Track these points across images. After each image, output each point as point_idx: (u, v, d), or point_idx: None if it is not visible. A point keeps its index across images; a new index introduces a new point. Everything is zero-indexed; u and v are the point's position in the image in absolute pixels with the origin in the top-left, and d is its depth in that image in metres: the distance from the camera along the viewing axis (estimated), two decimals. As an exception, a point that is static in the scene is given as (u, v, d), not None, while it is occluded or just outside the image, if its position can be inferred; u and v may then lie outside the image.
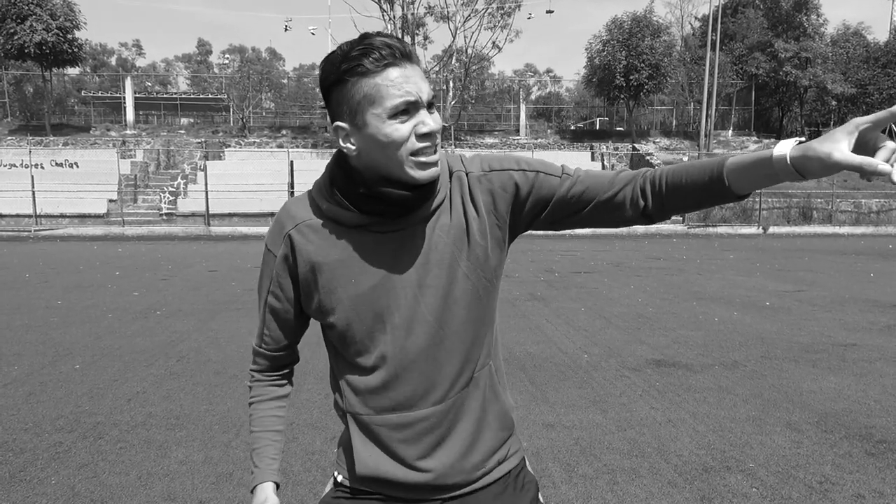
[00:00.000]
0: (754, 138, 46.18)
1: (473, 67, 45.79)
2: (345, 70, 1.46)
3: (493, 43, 45.29)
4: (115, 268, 15.98)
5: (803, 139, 1.34)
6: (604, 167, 38.02)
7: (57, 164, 34.45)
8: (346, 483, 1.76)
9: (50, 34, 37.46)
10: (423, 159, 1.49)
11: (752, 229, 31.47)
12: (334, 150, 1.62)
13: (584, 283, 13.11)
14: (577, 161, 35.75)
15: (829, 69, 46.01)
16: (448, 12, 43.97)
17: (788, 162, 1.33)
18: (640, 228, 30.29)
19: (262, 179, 33.53)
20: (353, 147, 1.52)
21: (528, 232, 1.79)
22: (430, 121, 1.48)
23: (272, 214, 32.53)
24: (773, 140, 46.29)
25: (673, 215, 1.64)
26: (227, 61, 79.98)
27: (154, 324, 9.04)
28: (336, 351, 1.73)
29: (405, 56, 1.46)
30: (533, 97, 72.14)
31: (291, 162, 33.79)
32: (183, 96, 55.38)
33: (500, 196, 1.64)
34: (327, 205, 1.62)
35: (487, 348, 1.71)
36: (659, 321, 9.23)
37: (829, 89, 45.33)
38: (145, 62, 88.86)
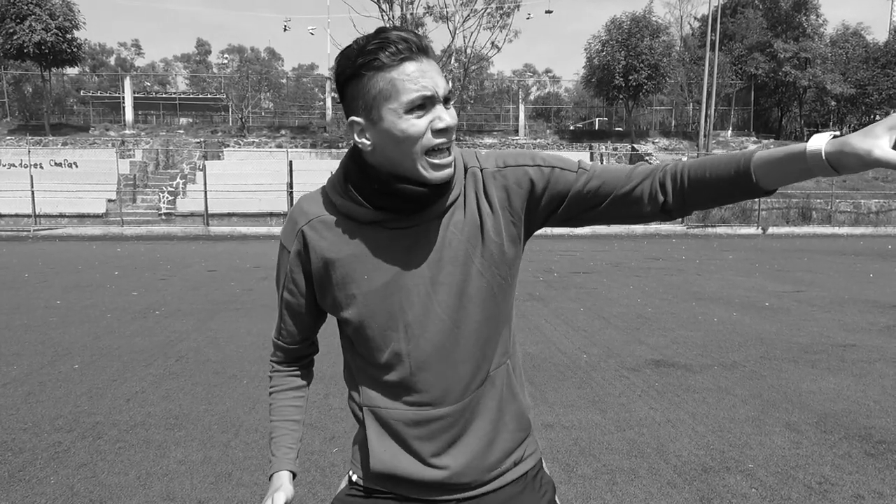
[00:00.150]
0: (753, 138, 46.16)
1: (472, 68, 45.83)
2: (361, 64, 1.45)
3: (492, 43, 45.34)
4: (114, 268, 15.98)
5: (838, 133, 1.31)
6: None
7: (56, 163, 34.41)
8: (361, 482, 1.74)
9: (49, 34, 37.38)
10: (436, 161, 1.49)
11: (752, 229, 31.47)
12: (346, 148, 1.61)
13: (583, 284, 13.11)
14: (577, 161, 35.61)
15: (828, 69, 46.01)
16: (447, 12, 44.00)
17: (823, 157, 1.30)
18: (638, 229, 30.29)
19: (261, 179, 33.50)
20: (369, 142, 1.51)
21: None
22: (446, 116, 1.47)
23: (271, 214, 32.57)
24: (771, 140, 46.31)
25: (694, 211, 1.60)
26: (225, 61, 79.96)
27: (153, 324, 9.04)
28: (352, 345, 1.72)
29: (422, 50, 1.45)
30: (532, 97, 72.09)
31: (290, 162, 33.74)
32: (182, 96, 55.34)
33: (515, 192, 1.61)
34: (341, 200, 1.61)
35: (504, 346, 1.70)
36: (658, 321, 9.23)
37: (828, 90, 45.32)
38: (144, 62, 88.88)
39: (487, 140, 42.84)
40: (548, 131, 48.21)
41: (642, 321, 9.25)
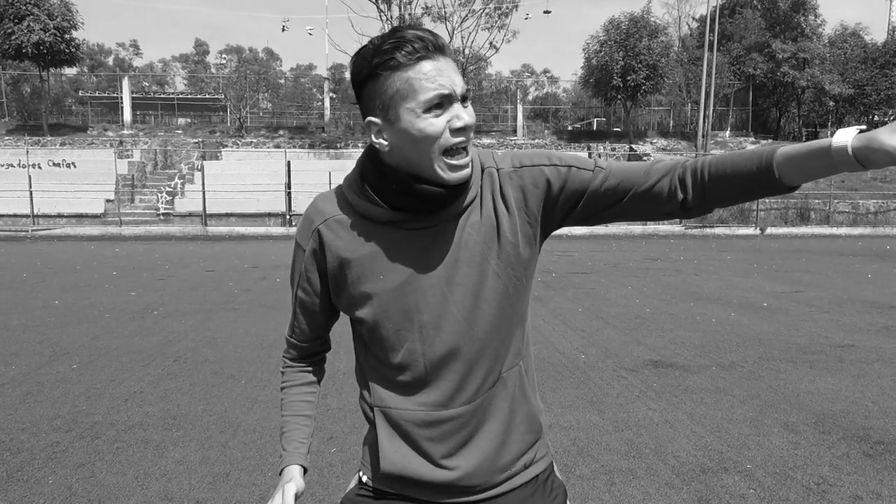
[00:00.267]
0: (752, 139, 46.18)
1: (471, 68, 45.82)
2: (377, 64, 1.44)
3: (491, 43, 45.38)
4: (112, 268, 15.97)
5: (864, 128, 1.29)
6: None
7: (54, 164, 34.38)
8: (371, 483, 1.74)
9: (47, 34, 37.36)
10: (454, 161, 1.48)
11: (750, 230, 31.47)
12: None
13: (581, 284, 13.12)
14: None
15: (826, 70, 46.02)
16: (445, 13, 44.04)
17: (850, 153, 1.28)
18: (636, 229, 30.31)
19: (259, 180, 33.47)
20: (386, 143, 1.50)
21: None
22: (464, 115, 1.46)
23: (269, 215, 32.55)
24: (769, 140, 46.34)
25: (714, 208, 1.58)
26: (224, 61, 79.98)
27: (151, 324, 9.03)
28: (365, 345, 1.72)
29: (438, 49, 1.44)
30: (530, 98, 72.12)
31: (288, 162, 33.70)
32: (180, 96, 55.38)
33: (531, 192, 1.60)
34: (358, 200, 1.61)
35: (517, 347, 1.69)
36: (656, 322, 9.23)
37: (826, 90, 45.32)
38: (142, 62, 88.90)
39: (485, 140, 42.82)
40: (546, 132, 48.22)
41: (640, 321, 9.25)
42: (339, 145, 39.88)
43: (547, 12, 51.12)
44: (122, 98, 45.21)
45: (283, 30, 56.49)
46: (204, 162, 35.43)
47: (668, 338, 8.25)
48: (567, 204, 1.62)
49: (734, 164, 1.46)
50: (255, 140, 40.94)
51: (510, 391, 1.68)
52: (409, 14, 42.87)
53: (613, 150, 40.83)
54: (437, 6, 44.03)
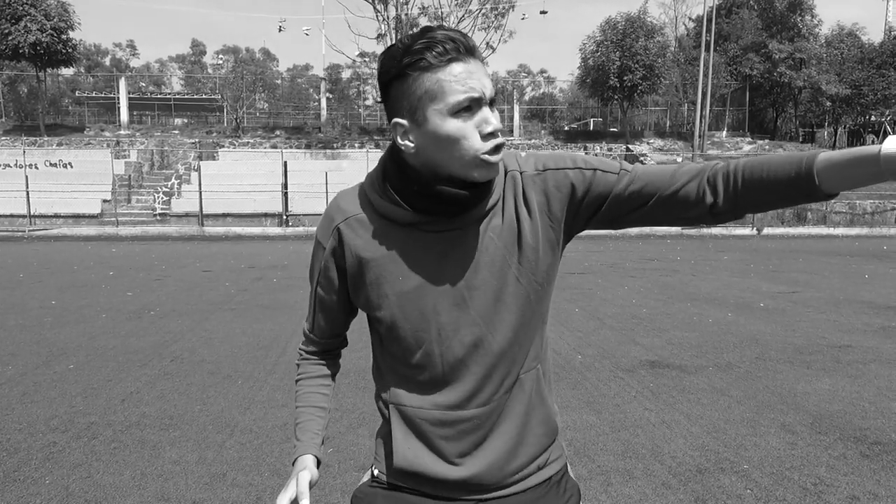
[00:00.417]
0: (748, 139, 46.25)
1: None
2: (407, 64, 1.42)
3: (487, 43, 45.36)
4: (109, 268, 15.95)
5: None
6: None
7: (51, 164, 34.37)
8: (383, 478, 1.74)
9: (44, 35, 37.32)
10: (492, 159, 1.45)
11: (746, 230, 31.51)
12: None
13: (578, 284, 13.12)
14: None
15: (823, 70, 46.09)
16: (442, 13, 44.05)
17: None
18: (633, 229, 30.29)
19: (256, 180, 33.49)
20: (412, 144, 1.48)
21: None
22: (492, 119, 1.44)
23: (266, 215, 32.55)
24: (766, 140, 46.40)
25: (745, 214, 1.52)
26: (220, 62, 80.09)
27: (148, 324, 9.02)
28: (382, 343, 1.71)
29: (469, 51, 1.42)
30: (527, 98, 72.27)
31: (285, 162, 33.71)
32: (177, 97, 55.31)
33: (555, 196, 1.58)
34: (379, 200, 1.59)
35: (536, 350, 1.69)
36: (653, 322, 9.24)
37: (823, 90, 45.37)
38: (139, 62, 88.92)
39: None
40: (542, 132, 48.27)
41: (637, 322, 9.26)
42: (335, 145, 39.86)
43: (543, 12, 51.22)
44: (118, 98, 45.20)
45: (280, 30, 56.39)
46: (200, 162, 35.46)
47: (665, 338, 8.25)
48: (591, 208, 1.60)
49: (770, 169, 1.42)
50: (251, 140, 40.91)
51: (527, 394, 1.67)
52: (406, 14, 42.88)
53: (610, 150, 40.86)
54: (434, 6, 44.13)
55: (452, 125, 1.42)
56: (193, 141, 39.62)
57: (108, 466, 4.35)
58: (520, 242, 1.58)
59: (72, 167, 34.43)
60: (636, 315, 9.75)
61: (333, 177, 31.88)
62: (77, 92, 57.89)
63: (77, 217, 31.79)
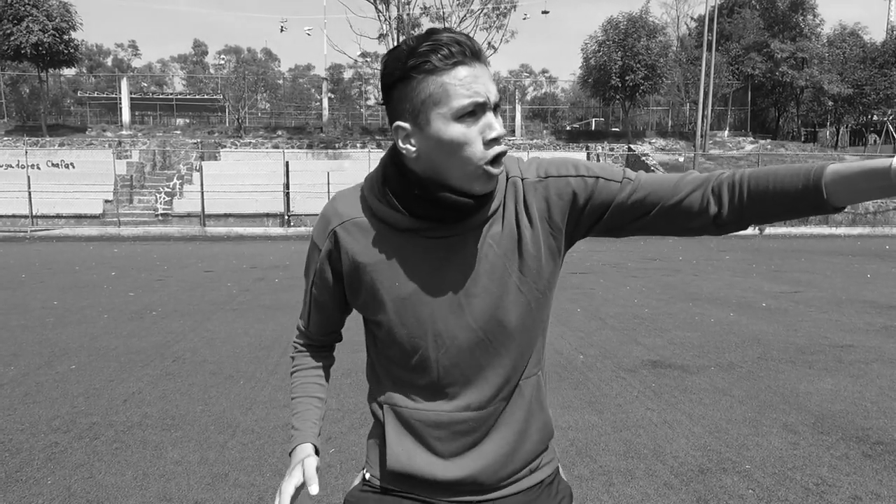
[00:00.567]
0: (750, 139, 46.19)
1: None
2: (411, 66, 1.39)
3: (489, 43, 45.36)
4: (110, 268, 15.96)
5: None
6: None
7: (53, 164, 34.40)
8: (375, 481, 1.72)
9: (46, 35, 37.37)
10: (493, 171, 1.43)
11: (749, 230, 31.47)
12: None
13: (579, 284, 13.12)
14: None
15: (825, 69, 46.02)
16: (443, 13, 44.05)
17: None
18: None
19: (258, 180, 33.49)
20: (413, 148, 1.45)
21: None
22: (496, 124, 1.42)
23: (267, 215, 32.55)
24: (769, 140, 46.35)
25: (749, 225, 1.51)
26: (222, 62, 80.00)
27: (150, 324, 9.03)
28: (378, 345, 1.70)
29: (474, 55, 1.40)
30: (528, 98, 72.14)
31: (287, 163, 33.71)
32: (179, 97, 55.38)
33: (556, 204, 1.56)
34: (378, 204, 1.56)
35: (537, 357, 1.68)
36: (655, 322, 9.23)
37: (825, 90, 45.31)
38: (141, 63, 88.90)
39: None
40: (544, 132, 48.26)
41: (639, 322, 9.25)
42: (337, 145, 39.87)
43: (545, 12, 51.30)
44: (120, 98, 45.21)
45: (282, 30, 56.59)
46: (202, 162, 35.48)
47: (667, 338, 8.25)
48: (593, 216, 1.57)
49: (777, 180, 1.39)
50: (253, 140, 40.93)
51: (527, 400, 1.66)
52: (408, 14, 42.89)
53: (612, 150, 40.84)
54: (436, 6, 44.11)
55: (456, 130, 1.39)
56: (195, 141, 39.63)
57: (110, 467, 4.35)
58: (520, 250, 1.56)
59: (74, 167, 34.46)
60: (638, 315, 9.75)
61: (335, 177, 31.90)
62: (79, 92, 57.96)
63: (79, 217, 31.81)
